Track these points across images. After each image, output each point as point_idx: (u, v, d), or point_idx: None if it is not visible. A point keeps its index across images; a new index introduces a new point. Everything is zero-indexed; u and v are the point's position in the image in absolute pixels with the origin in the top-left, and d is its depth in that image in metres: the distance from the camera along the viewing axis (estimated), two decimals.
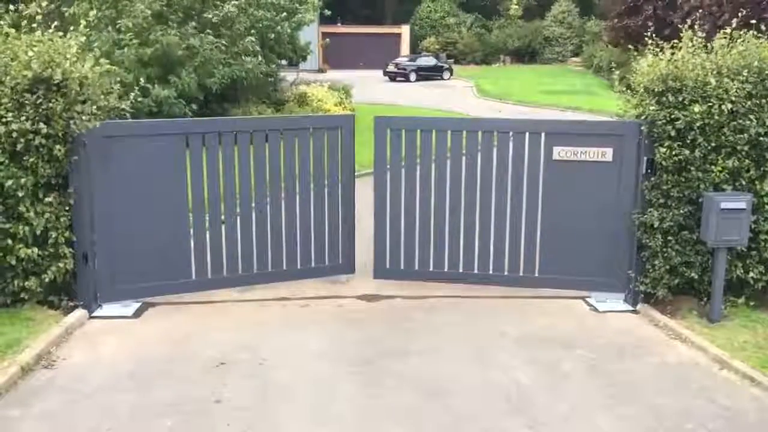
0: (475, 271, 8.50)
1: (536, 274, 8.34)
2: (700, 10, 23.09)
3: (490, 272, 8.47)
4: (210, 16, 16.68)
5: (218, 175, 8.06)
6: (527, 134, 8.24)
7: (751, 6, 18.94)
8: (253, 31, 17.90)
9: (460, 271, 8.53)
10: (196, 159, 7.94)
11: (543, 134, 8.18)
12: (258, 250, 8.31)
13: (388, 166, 8.62)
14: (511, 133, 8.28)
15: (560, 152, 8.08)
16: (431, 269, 8.61)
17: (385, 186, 8.63)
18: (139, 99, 8.16)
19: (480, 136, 8.37)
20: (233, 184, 8.13)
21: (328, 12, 26.82)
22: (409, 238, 8.62)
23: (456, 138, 8.40)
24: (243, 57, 17.39)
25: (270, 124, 8.94)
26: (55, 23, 7.54)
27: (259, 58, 17.88)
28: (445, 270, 8.58)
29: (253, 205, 8.30)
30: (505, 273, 8.44)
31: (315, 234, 8.53)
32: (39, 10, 7.91)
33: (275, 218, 8.37)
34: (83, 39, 7.45)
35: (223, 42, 16.73)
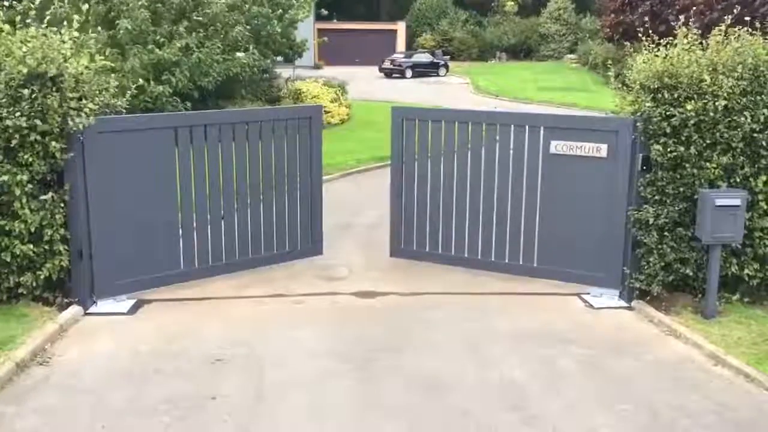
0: (479, 257, 8.81)
1: (534, 264, 8.52)
2: (693, 8, 23.19)
3: (492, 259, 8.76)
4: (200, 17, 16.62)
5: (205, 167, 8.29)
6: (527, 127, 8.44)
7: (743, 4, 18.97)
8: (248, 27, 17.81)
9: (465, 256, 8.90)
10: (183, 153, 8.12)
11: (541, 128, 8.36)
12: (240, 239, 8.65)
13: (404, 157, 9.08)
14: (512, 126, 8.49)
15: (557, 146, 8.21)
16: (440, 252, 9.03)
17: (400, 172, 9.08)
18: (136, 96, 8.18)
19: (484, 128, 8.68)
20: (218, 177, 8.40)
21: (325, 12, 26.75)
22: (420, 222, 9.11)
23: (462, 129, 8.77)
24: (236, 53, 17.32)
25: (248, 116, 9.17)
26: (48, 18, 7.49)
27: (251, 50, 17.81)
28: (452, 254, 8.97)
29: (236, 204, 8.58)
30: (506, 261, 8.67)
31: (289, 221, 9.01)
32: (32, 5, 7.88)
33: (254, 208, 8.75)
34: (76, 34, 7.42)
35: (218, 44, 16.67)
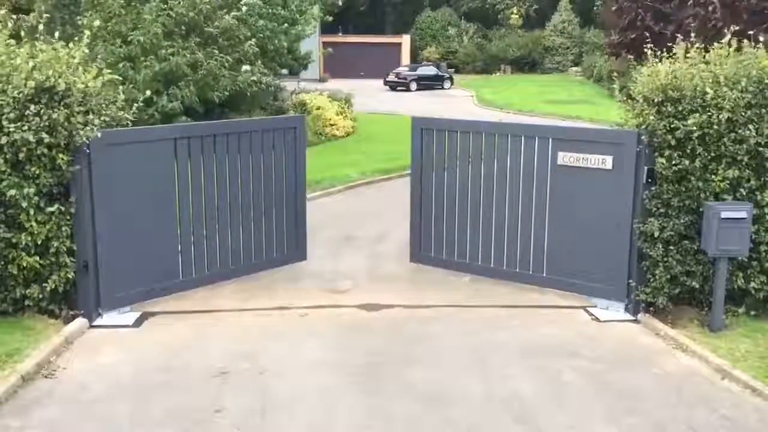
0: (492, 265, 8.96)
1: (544, 274, 8.61)
2: (696, 21, 23.28)
3: (504, 268, 8.89)
4: (211, 29, 16.73)
5: (201, 177, 8.44)
6: (536, 138, 8.56)
7: (747, 16, 19.00)
8: (253, 40, 17.92)
9: (479, 263, 9.07)
10: (181, 163, 8.26)
11: (550, 139, 8.47)
12: (233, 247, 8.87)
13: (423, 166, 9.37)
14: (522, 137, 8.60)
15: (564, 157, 8.31)
16: (455, 259, 9.28)
17: (420, 180, 9.41)
18: (145, 110, 8.28)
19: (496, 138, 8.84)
20: (212, 186, 8.56)
21: (329, 18, 26.76)
22: (438, 230, 9.40)
23: (477, 139, 8.97)
24: (242, 67, 17.39)
25: (236, 127, 9.26)
26: (57, 33, 7.56)
27: (258, 63, 17.89)
28: (467, 261, 9.18)
29: (229, 213, 8.75)
30: (516, 270, 8.79)
31: (276, 229, 9.30)
32: (41, 20, 7.95)
33: (245, 217, 8.94)
34: (87, 50, 7.48)
35: (228, 58, 16.78)
